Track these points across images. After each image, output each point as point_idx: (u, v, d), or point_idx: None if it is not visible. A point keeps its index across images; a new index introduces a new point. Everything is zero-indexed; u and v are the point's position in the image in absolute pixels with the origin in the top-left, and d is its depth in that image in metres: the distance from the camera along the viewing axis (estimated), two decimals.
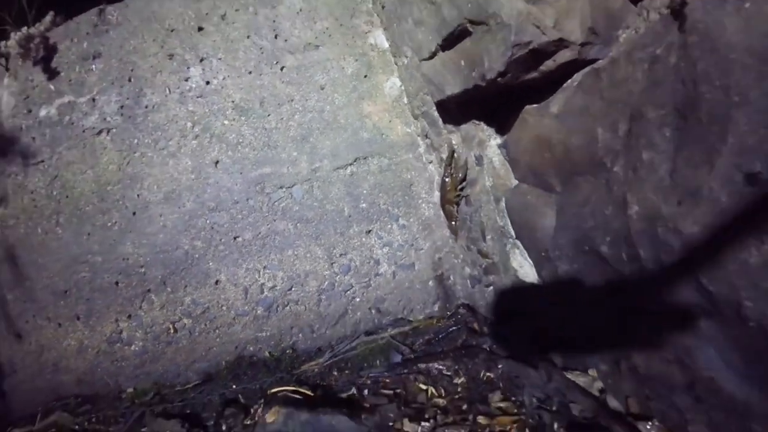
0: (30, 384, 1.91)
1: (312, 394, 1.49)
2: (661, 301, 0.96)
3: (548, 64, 1.16)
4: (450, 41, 1.35)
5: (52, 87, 1.94)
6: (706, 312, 0.88)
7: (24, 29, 1.99)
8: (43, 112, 1.93)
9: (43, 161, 1.90)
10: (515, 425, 1.16)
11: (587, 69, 1.13)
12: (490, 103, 1.40)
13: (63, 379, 1.89)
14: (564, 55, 1.13)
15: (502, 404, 1.27)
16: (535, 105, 1.30)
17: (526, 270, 1.42)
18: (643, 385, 1.11)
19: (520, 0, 1.10)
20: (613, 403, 1.15)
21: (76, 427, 1.78)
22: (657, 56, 0.92)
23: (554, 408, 1.15)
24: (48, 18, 2.01)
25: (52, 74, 1.99)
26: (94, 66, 1.91)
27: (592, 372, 1.26)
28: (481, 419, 1.22)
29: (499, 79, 1.18)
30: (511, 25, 1.10)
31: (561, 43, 1.11)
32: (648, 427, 1.07)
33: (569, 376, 1.24)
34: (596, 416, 1.10)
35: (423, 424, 1.24)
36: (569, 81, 1.19)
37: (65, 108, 1.91)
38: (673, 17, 0.91)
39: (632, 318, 1.07)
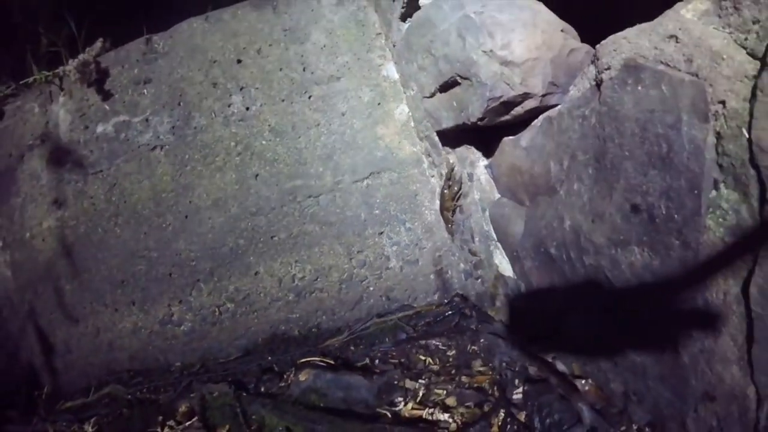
0: (84, 362, 2.22)
1: (334, 363, 1.89)
2: (582, 289, 1.41)
3: (518, 110, 1.55)
4: (445, 87, 1.75)
5: (107, 107, 2.27)
6: (611, 295, 1.33)
7: (81, 56, 2.26)
8: (99, 129, 2.26)
9: (101, 171, 2.24)
10: (488, 381, 1.62)
11: (545, 116, 1.53)
12: (478, 134, 1.82)
13: (116, 357, 2.21)
14: (529, 104, 1.52)
15: (481, 368, 1.73)
16: (511, 137, 1.69)
17: (504, 266, 1.85)
18: (580, 354, 1.56)
19: (495, 63, 1.51)
20: (561, 366, 1.60)
21: (129, 397, 2.02)
22: (585, 116, 1.35)
23: (516, 368, 1.61)
24: (98, 44, 2.29)
25: (106, 95, 2.28)
26: (145, 90, 2.26)
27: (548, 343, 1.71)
28: (464, 378, 1.68)
29: (479, 122, 1.60)
30: (487, 84, 1.51)
31: (526, 96, 1.50)
32: (583, 383, 1.51)
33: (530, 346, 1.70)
34: (546, 375, 1.56)
35: (420, 381, 1.71)
36: (535, 121, 1.58)
37: (121, 126, 2.25)
38: (596, 88, 1.32)
39: (570, 301, 1.52)
